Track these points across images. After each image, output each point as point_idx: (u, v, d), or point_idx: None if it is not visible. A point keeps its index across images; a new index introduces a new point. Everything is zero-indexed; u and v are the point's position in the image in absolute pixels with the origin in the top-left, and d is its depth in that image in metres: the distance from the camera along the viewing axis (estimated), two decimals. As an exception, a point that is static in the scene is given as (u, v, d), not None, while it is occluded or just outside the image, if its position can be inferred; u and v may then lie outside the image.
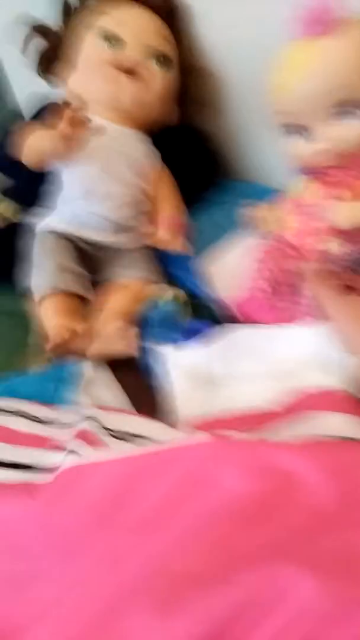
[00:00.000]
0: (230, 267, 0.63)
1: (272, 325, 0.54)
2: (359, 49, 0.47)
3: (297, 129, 0.52)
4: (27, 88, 0.75)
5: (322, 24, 0.48)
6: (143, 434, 0.44)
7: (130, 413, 0.49)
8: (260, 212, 0.59)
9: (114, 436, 0.44)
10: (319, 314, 0.52)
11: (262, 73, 0.51)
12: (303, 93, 0.49)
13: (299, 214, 0.55)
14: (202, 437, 0.38)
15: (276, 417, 0.43)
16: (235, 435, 0.41)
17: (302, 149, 0.53)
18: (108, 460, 0.37)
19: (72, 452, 0.39)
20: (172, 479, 0.34)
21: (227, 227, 0.69)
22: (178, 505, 0.33)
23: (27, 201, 0.69)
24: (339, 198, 0.52)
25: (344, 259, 0.52)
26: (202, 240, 0.68)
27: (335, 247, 0.52)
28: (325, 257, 0.53)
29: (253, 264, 0.58)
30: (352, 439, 0.40)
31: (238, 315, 0.58)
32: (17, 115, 0.75)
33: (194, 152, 0.74)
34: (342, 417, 0.42)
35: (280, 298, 0.55)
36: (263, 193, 0.74)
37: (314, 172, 0.55)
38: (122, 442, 0.43)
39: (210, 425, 0.45)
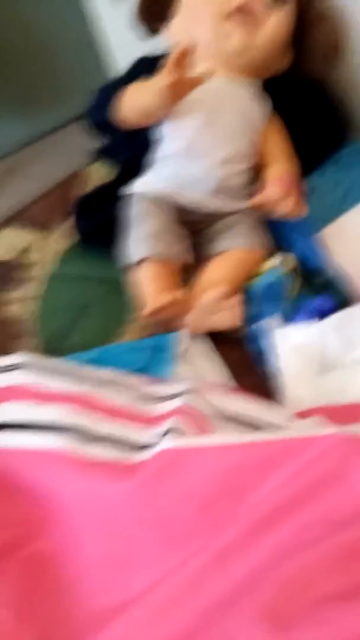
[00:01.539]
0: (356, 239, 0.56)
1: None
2: None
3: None
4: (130, 52, 0.71)
5: None
6: (251, 413, 0.39)
7: (236, 390, 0.44)
8: None
9: (220, 415, 0.39)
10: None
11: None
12: None
13: None
14: (324, 430, 0.33)
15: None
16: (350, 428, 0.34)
17: None
18: (215, 446, 0.33)
19: (172, 430, 0.35)
20: (290, 473, 0.30)
21: (352, 193, 0.61)
22: (299, 503, 0.29)
23: (128, 164, 0.65)
24: None
25: None
26: (322, 205, 0.60)
27: None
28: None
29: None
30: None
31: None
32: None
33: (315, 108, 0.66)
34: None
35: None
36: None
37: None
38: (228, 422, 0.39)
39: (319, 412, 0.39)
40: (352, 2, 0.60)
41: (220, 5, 0.56)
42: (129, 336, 0.53)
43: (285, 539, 0.28)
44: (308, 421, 0.38)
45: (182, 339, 0.49)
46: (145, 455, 0.35)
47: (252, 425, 0.38)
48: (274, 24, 0.57)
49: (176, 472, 0.32)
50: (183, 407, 0.38)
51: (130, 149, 0.64)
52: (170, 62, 0.50)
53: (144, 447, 0.36)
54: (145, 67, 0.61)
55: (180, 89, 0.52)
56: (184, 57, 0.49)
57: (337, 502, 0.28)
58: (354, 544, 0.28)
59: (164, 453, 0.34)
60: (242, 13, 0.56)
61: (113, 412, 0.39)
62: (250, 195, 0.58)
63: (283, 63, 0.62)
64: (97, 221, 0.63)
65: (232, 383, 0.48)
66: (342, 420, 0.38)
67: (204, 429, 0.36)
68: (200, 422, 0.37)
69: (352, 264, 0.53)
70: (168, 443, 0.34)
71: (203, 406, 0.39)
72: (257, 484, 0.30)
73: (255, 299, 0.52)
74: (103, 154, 0.70)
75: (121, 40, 0.80)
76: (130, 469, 0.34)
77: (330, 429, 0.32)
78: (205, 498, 0.31)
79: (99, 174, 0.70)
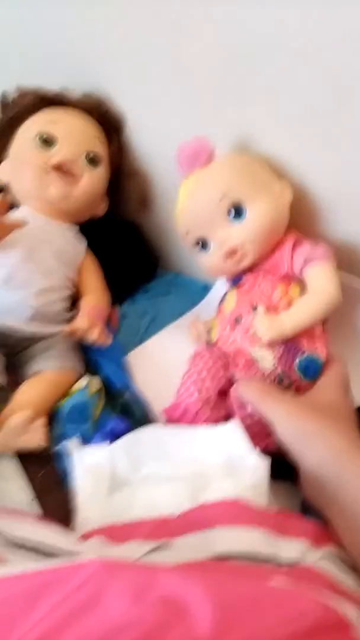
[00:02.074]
0: (157, 364, 0.64)
1: (184, 426, 0.54)
2: (230, 168, 0.59)
3: (202, 242, 0.60)
4: None
5: (198, 159, 0.58)
6: (45, 541, 0.42)
7: (32, 517, 0.47)
8: (196, 326, 0.64)
9: (13, 543, 0.41)
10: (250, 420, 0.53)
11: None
12: (195, 210, 0.59)
13: (226, 323, 0.59)
14: (89, 558, 0.37)
15: (172, 528, 0.42)
16: (126, 549, 0.39)
17: (206, 260, 0.61)
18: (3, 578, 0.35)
19: None
20: (54, 603, 0.33)
21: (157, 320, 0.71)
22: (60, 631, 0.32)
23: None
24: (256, 308, 0.56)
25: (272, 371, 0.54)
26: (131, 331, 0.70)
27: (263, 356, 0.54)
28: (254, 366, 0.55)
29: (185, 369, 0.59)
30: (245, 554, 0.40)
31: (165, 419, 0.58)
32: None
33: (130, 245, 0.77)
34: (239, 530, 0.41)
35: (213, 406, 0.56)
36: (191, 284, 0.78)
37: (234, 281, 0.61)
38: (21, 550, 0.41)
39: (107, 531, 0.44)
40: (155, 165, 0.74)
41: (42, 159, 0.66)
42: None
43: None
44: (90, 543, 0.42)
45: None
46: None
47: (39, 551, 0.41)
48: (89, 181, 0.68)
49: None
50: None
51: None
52: None
53: None
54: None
55: None
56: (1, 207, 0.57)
57: (92, 626, 0.32)
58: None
59: None
60: (59, 171, 0.66)
61: None
62: (66, 321, 0.65)
63: (99, 210, 0.73)
64: None
65: (35, 504, 0.51)
66: (121, 538, 0.43)
67: None
68: None
69: (150, 387, 0.61)
70: None
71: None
72: (25, 615, 0.33)
73: (62, 419, 0.57)
74: None
75: None
76: None
77: (93, 556, 0.37)
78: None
79: None
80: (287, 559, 0.40)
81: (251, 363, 0.55)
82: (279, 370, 0.54)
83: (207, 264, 0.61)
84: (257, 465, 0.47)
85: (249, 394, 0.52)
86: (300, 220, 0.61)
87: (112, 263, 0.72)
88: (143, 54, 0.64)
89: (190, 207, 0.59)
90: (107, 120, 0.72)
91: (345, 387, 0.53)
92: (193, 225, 0.60)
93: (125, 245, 0.77)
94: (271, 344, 0.54)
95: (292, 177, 0.60)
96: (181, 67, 0.62)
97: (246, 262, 0.58)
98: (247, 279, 0.59)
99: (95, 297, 0.67)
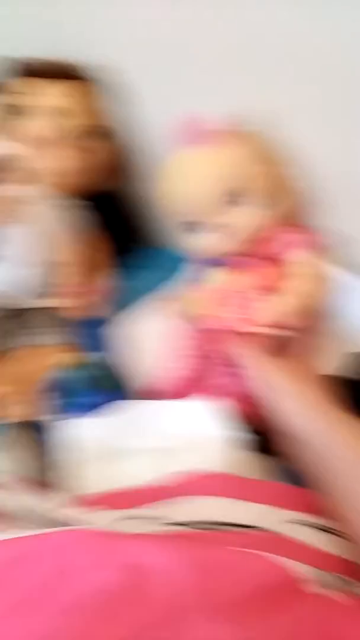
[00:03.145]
0: (144, 338, 0.67)
1: (163, 400, 0.58)
2: (233, 153, 0.56)
3: (192, 225, 0.58)
4: None
5: (201, 135, 0.55)
6: (34, 507, 0.46)
7: (14, 484, 0.50)
8: (176, 301, 0.64)
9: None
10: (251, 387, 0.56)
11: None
12: (194, 194, 0.57)
13: (217, 302, 0.59)
14: (67, 527, 0.41)
15: (143, 497, 0.46)
16: (98, 517, 0.43)
17: (200, 242, 0.59)
18: None
19: None
20: (43, 566, 0.36)
21: (139, 292, 0.73)
22: (46, 593, 0.34)
23: None
24: (260, 290, 0.57)
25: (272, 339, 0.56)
26: (111, 305, 0.71)
27: (265, 330, 0.56)
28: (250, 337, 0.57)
29: (174, 343, 0.61)
30: (221, 523, 0.43)
31: (148, 392, 0.60)
32: None
33: (116, 218, 0.78)
34: (207, 500, 0.45)
35: (201, 379, 0.59)
36: (173, 258, 0.79)
37: (219, 262, 0.60)
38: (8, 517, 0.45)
39: (98, 500, 0.47)
40: (135, 137, 0.73)
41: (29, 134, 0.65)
42: None
43: (34, 625, 0.32)
44: (67, 511, 0.46)
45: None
46: None
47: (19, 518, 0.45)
48: (79, 155, 0.68)
49: None
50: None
51: None
52: None
53: None
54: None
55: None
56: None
57: (64, 594, 0.34)
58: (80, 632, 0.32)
59: None
60: (47, 144, 0.65)
61: None
62: (52, 295, 0.67)
63: (99, 185, 0.73)
64: None
65: (17, 473, 0.55)
66: (95, 506, 0.46)
67: None
68: None
69: (131, 363, 0.64)
70: None
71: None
72: (21, 575, 0.35)
73: (46, 392, 0.60)
74: None
75: None
76: None
77: (70, 527, 0.40)
78: None
79: None
80: (254, 524, 0.44)
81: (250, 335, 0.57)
82: None
83: (197, 245, 0.60)
84: (224, 440, 0.51)
85: (244, 359, 0.56)
86: (300, 209, 0.62)
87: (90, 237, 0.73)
88: (140, 20, 0.63)
89: (185, 190, 0.57)
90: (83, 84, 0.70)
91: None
92: (186, 207, 0.58)
93: (107, 217, 0.78)
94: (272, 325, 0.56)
95: (293, 164, 0.59)
96: (182, 36, 0.61)
97: (240, 247, 0.59)
98: (236, 260, 0.60)
99: (82, 273, 0.69)
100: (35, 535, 0.40)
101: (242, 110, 0.59)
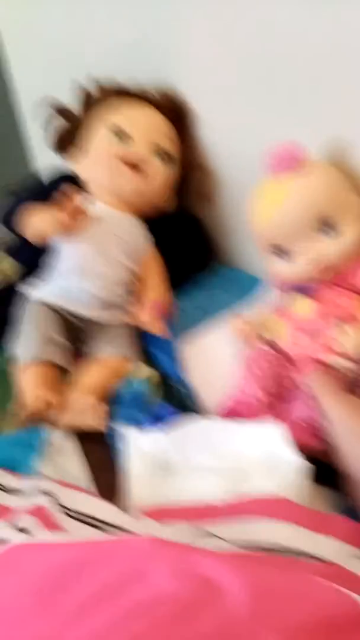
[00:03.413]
0: (209, 356, 0.68)
1: (231, 421, 0.58)
2: (325, 182, 0.57)
3: (279, 251, 0.59)
4: (48, 160, 0.83)
5: (291, 163, 0.56)
6: (97, 516, 0.47)
7: (87, 492, 0.52)
8: (247, 323, 0.65)
9: (69, 515, 0.47)
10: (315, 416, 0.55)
11: (252, 172, 0.59)
12: (284, 222, 0.57)
13: (298, 329, 0.60)
14: (141, 535, 0.42)
15: (217, 515, 0.47)
16: (176, 531, 0.44)
17: (285, 269, 0.60)
18: (56, 544, 0.41)
19: (23, 529, 0.43)
20: (109, 571, 0.37)
21: (210, 311, 0.75)
22: (111, 596, 0.35)
23: (28, 265, 0.75)
24: (342, 321, 0.57)
25: (346, 373, 0.57)
26: (185, 323, 0.73)
27: (339, 362, 0.57)
28: (326, 367, 0.57)
29: (241, 365, 0.62)
30: (282, 548, 0.43)
31: (222, 411, 0.61)
32: (36, 180, 0.83)
33: (187, 237, 0.80)
34: (277, 525, 0.45)
35: (273, 403, 0.59)
36: (246, 280, 0.80)
37: (303, 288, 0.61)
38: (76, 522, 0.46)
39: (159, 513, 0.48)
40: (220, 163, 0.76)
41: (115, 152, 0.70)
42: (6, 429, 0.61)
43: (98, 625, 0.34)
44: (139, 522, 0.47)
45: (52, 437, 0.58)
46: None
47: (90, 525, 0.46)
48: (159, 177, 0.71)
49: (20, 567, 0.38)
50: (38, 507, 0.45)
51: (33, 252, 0.74)
52: (66, 211, 0.61)
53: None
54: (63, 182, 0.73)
55: (71, 230, 0.64)
56: (77, 208, 0.62)
57: (134, 598, 0.35)
58: (148, 629, 0.34)
59: (13, 549, 0.40)
60: (135, 168, 0.69)
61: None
62: (129, 314, 0.70)
63: (169, 206, 0.77)
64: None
65: (90, 480, 0.57)
66: (168, 520, 0.47)
67: (52, 528, 0.44)
68: (51, 523, 0.44)
69: (199, 380, 0.65)
70: (18, 540, 0.41)
71: (57, 509, 0.46)
72: (75, 581, 0.36)
73: (121, 405, 0.62)
74: (11, 253, 0.79)
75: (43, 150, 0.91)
76: None
77: (143, 535, 0.42)
78: (41, 591, 0.36)
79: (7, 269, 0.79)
80: (320, 555, 0.43)
81: (323, 364, 0.57)
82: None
83: (283, 270, 0.60)
84: (298, 467, 0.51)
85: (316, 387, 0.55)
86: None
87: (169, 253, 0.76)
88: (216, 50, 0.65)
89: (277, 217, 0.58)
90: (178, 117, 0.74)
91: None
92: (277, 234, 0.58)
93: (184, 238, 0.80)
94: (349, 358, 0.56)
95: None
96: (258, 63, 0.62)
97: (325, 275, 0.58)
98: (321, 289, 0.59)
99: (156, 292, 0.72)
100: (100, 542, 0.41)
101: (334, 139, 0.60)
